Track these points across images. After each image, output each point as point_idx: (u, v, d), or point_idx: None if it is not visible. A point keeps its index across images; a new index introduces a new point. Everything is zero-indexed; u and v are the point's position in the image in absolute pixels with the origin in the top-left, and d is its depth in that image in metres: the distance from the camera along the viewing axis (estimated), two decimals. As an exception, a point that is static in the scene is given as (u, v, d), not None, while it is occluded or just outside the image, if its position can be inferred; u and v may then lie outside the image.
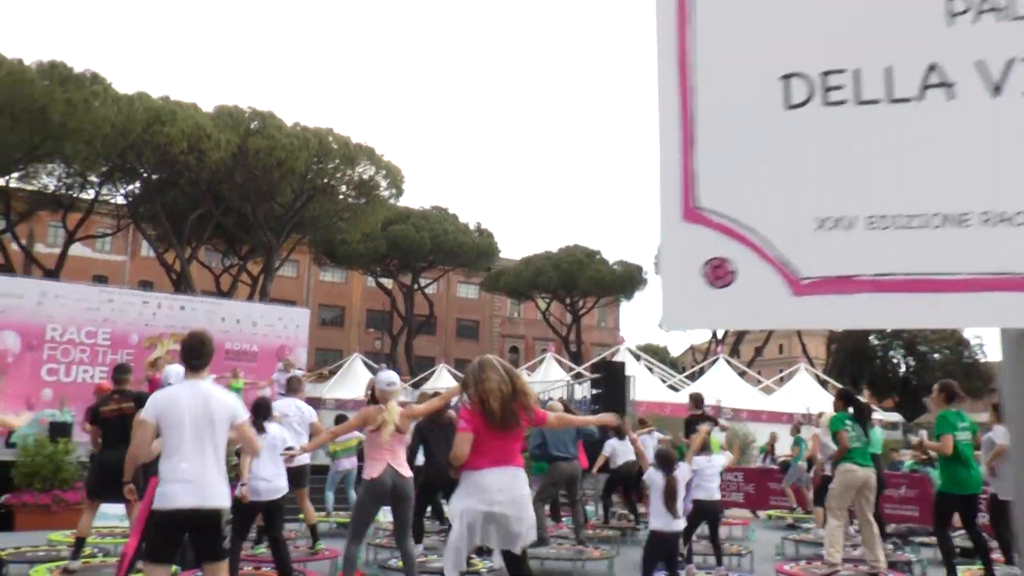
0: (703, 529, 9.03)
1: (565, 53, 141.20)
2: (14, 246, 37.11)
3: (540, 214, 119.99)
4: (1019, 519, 1.29)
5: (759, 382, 33.04)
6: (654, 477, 7.09)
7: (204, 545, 4.94)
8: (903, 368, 58.19)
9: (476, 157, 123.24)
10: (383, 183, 37.46)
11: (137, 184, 36.42)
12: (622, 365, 19.12)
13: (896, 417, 36.99)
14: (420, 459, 9.07)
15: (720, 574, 8.62)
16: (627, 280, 50.94)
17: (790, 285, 1.27)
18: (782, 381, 32.73)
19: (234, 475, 6.28)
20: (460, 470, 4.95)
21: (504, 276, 51.83)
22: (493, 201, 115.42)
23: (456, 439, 4.97)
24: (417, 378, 34.75)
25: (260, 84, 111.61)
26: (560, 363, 31.57)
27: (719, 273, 1.28)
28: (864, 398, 29.28)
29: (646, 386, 24.56)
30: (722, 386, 26.53)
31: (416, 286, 51.30)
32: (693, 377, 32.49)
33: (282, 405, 9.34)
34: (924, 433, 15.06)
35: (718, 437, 13.59)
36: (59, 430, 14.11)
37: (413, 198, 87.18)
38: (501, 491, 4.81)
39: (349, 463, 11.72)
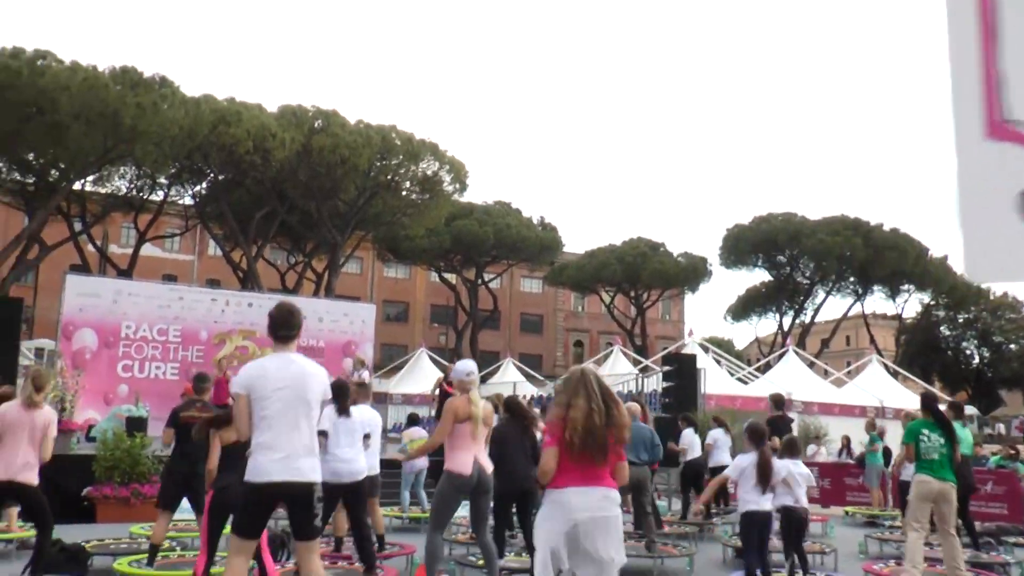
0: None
1: (626, 43, 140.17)
2: (90, 247, 38.14)
3: (604, 207, 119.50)
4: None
5: (827, 374, 32.33)
6: (741, 460, 6.89)
7: (298, 521, 4.82)
8: (976, 359, 56.63)
9: (540, 151, 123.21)
10: (447, 178, 37.46)
11: (204, 184, 37.11)
12: (693, 358, 18.79)
13: (971, 410, 35.91)
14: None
15: None
16: (692, 272, 50.34)
17: None
18: (852, 374, 31.99)
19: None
20: (545, 488, 4.58)
21: (567, 270, 51.61)
22: (556, 195, 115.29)
23: (543, 454, 4.58)
24: (483, 372, 34.76)
25: (323, 83, 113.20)
26: (627, 356, 31.25)
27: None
28: (935, 390, 28.53)
29: (716, 379, 24.20)
30: (793, 379, 26.04)
31: (480, 281, 51.38)
32: (762, 370, 31.91)
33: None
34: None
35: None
36: (135, 425, 14.45)
37: (476, 193, 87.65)
38: (584, 510, 4.37)
39: (422, 462, 11.72)
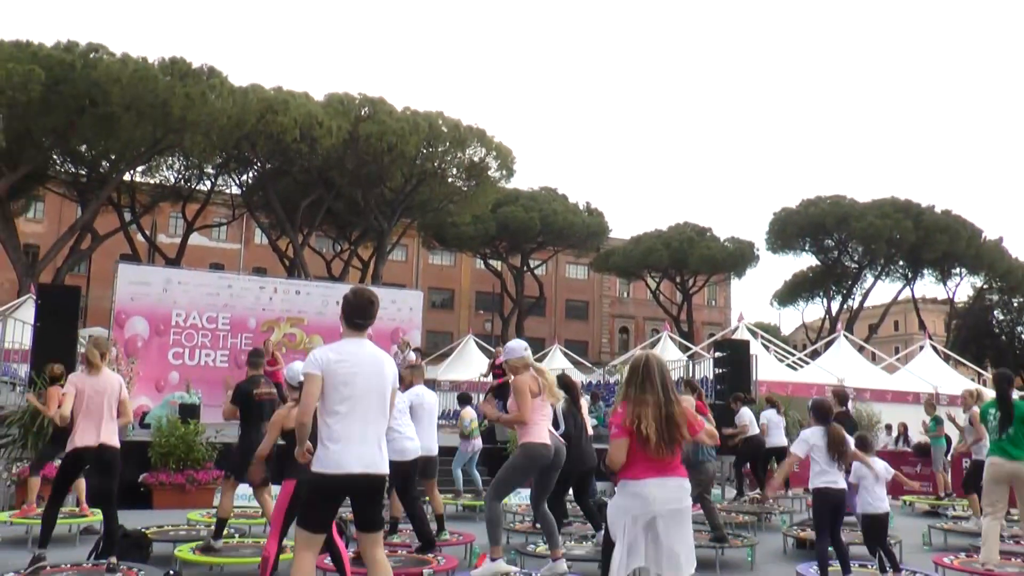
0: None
1: (674, 27, 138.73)
2: (139, 237, 38.73)
3: (650, 192, 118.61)
4: None
5: (875, 358, 31.66)
6: (810, 435, 6.66)
7: (366, 514, 4.62)
8: (1031, 344, 55.33)
9: (586, 135, 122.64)
10: (493, 164, 37.34)
11: (251, 173, 37.41)
12: (746, 343, 18.49)
13: (1029, 396, 34.98)
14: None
15: None
16: (739, 257, 49.76)
17: None
18: (903, 360, 31.29)
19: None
20: (618, 477, 4.48)
21: (614, 256, 51.30)
22: (603, 180, 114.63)
23: (611, 445, 4.49)
24: (531, 359, 34.62)
25: (370, 70, 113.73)
26: (675, 342, 30.91)
27: None
28: (987, 374, 27.71)
29: (766, 366, 23.78)
30: (844, 365, 25.49)
31: (525, 267, 51.24)
32: (813, 356, 31.39)
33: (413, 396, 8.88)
34: None
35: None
36: (188, 411, 14.63)
37: (523, 179, 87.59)
38: (663, 502, 4.34)
39: (479, 442, 11.75)
